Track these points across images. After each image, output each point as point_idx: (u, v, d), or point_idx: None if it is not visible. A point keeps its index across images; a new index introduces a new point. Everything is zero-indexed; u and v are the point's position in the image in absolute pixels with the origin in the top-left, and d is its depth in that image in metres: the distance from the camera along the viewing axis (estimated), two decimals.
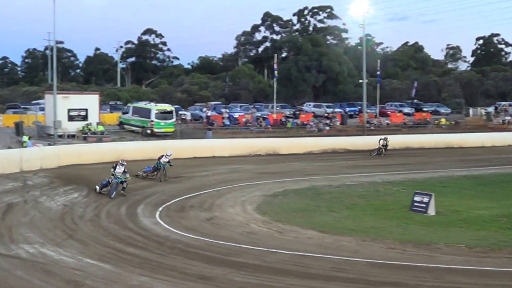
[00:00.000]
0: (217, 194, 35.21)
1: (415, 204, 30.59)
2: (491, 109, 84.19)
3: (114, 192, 33.43)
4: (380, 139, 54.68)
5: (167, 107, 61.19)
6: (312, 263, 21.22)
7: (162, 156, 39.62)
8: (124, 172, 34.08)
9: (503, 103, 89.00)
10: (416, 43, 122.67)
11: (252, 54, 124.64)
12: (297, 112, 77.74)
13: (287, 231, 26.43)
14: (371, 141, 58.37)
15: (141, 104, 62.65)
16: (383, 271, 20.40)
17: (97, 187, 34.37)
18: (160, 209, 30.55)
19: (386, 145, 54.55)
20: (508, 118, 79.26)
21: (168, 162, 39.68)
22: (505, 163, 50.49)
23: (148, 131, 57.10)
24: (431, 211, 29.99)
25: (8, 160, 40.29)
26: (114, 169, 33.95)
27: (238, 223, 28.10)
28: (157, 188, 36.01)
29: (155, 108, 59.17)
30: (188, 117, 72.16)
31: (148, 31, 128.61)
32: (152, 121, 57.61)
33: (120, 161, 34.49)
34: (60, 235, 24.89)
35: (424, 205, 30.22)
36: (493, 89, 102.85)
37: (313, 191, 36.58)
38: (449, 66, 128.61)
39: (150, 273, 19.62)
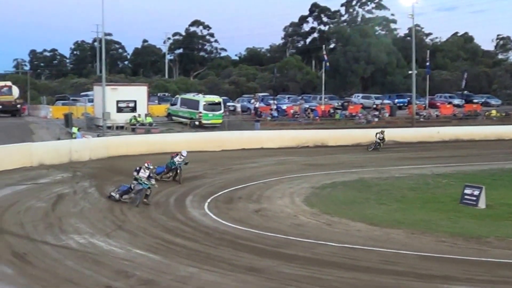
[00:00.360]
0: (265, 185, 35.16)
1: (465, 197, 30.15)
2: None
3: (139, 200, 29.12)
4: (377, 133, 52.28)
5: (215, 98, 61.32)
6: (361, 256, 21.09)
7: (176, 155, 35.79)
8: (149, 177, 29.76)
9: None
10: (466, 33, 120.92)
11: (299, 45, 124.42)
12: (346, 104, 77.29)
13: (336, 223, 26.30)
14: (420, 133, 58.11)
15: (189, 96, 62.89)
16: (433, 264, 20.17)
17: (114, 194, 30.11)
18: (209, 200, 30.58)
19: (383, 139, 52.00)
20: None
21: (183, 161, 35.66)
22: None
23: (196, 123, 57.28)
24: (482, 204, 29.54)
25: (58, 151, 40.76)
26: (138, 173, 29.60)
27: (286, 215, 28.02)
28: (205, 180, 36.05)
29: (203, 99, 59.30)
30: (238, 109, 72.18)
31: (196, 23, 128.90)
32: (200, 112, 57.76)
33: (146, 164, 29.98)
34: (109, 226, 25.10)
35: (474, 198, 29.77)
36: None
37: (362, 183, 36.35)
38: (500, 56, 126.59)
39: (199, 264, 19.67)
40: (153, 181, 29.87)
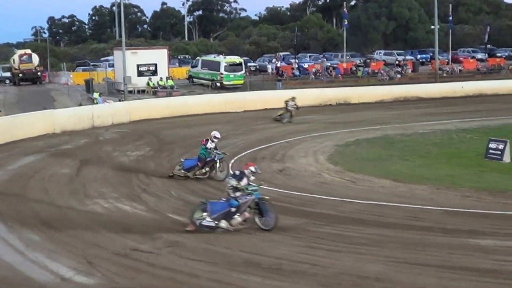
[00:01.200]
0: (288, 145, 35.11)
1: (490, 151, 29.98)
2: None
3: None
4: (287, 101, 44.85)
5: (236, 59, 61.19)
6: (387, 212, 21.04)
7: (207, 141, 26.78)
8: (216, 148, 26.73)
9: None
10: None
11: (320, 3, 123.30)
12: (368, 61, 76.89)
13: (360, 180, 26.27)
14: (443, 88, 57.85)
15: (210, 57, 62.81)
16: (459, 219, 20.10)
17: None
18: (232, 161, 30.48)
19: (296, 106, 44.53)
20: None
21: (216, 149, 26.87)
22: None
23: (218, 84, 57.18)
24: (507, 158, 29.36)
25: (80, 117, 40.90)
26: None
27: (310, 174, 28.01)
28: (228, 141, 35.79)
29: (224, 60, 59.22)
30: (269, 70, 71.04)
31: None
32: (222, 73, 57.67)
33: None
34: (134, 190, 25.14)
35: (499, 152, 29.59)
36: None
37: (385, 140, 36.21)
38: None
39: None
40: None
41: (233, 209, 18.64)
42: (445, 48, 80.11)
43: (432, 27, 70.99)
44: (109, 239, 18.42)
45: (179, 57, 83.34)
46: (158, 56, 57.79)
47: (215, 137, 26.72)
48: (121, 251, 17.03)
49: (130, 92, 52.96)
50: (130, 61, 53.71)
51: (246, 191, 19.10)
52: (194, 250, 17.11)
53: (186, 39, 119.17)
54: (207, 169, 26.52)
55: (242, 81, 58.22)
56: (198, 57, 67.54)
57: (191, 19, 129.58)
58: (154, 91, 53.92)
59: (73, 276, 15.18)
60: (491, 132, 35.38)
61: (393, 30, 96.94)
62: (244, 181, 19.19)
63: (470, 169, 28.07)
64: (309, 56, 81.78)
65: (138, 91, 54.30)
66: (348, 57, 78.40)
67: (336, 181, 26.46)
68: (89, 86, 54.19)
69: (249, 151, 33.40)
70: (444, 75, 68.74)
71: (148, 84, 55.00)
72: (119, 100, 48.58)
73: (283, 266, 15.83)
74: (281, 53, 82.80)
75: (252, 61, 78.24)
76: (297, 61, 73.34)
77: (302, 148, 34.12)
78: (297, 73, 67.70)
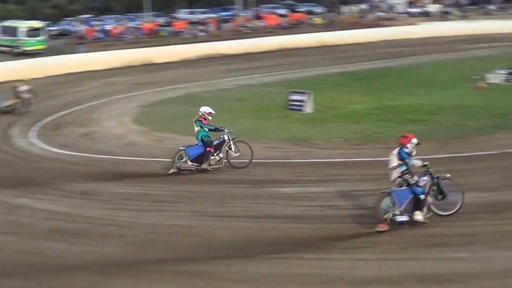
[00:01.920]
0: (91, 108, 34.49)
1: (292, 102, 30.84)
2: (364, 6, 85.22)
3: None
4: (15, 87, 34.01)
5: (36, 24, 59.11)
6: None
7: (203, 118, 21.14)
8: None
9: None
10: None
11: None
12: (171, 20, 76.60)
13: (165, 139, 26.21)
14: (246, 45, 58.61)
15: (9, 23, 60.32)
16: (264, 170, 20.69)
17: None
18: (35, 128, 29.64)
19: (31, 92, 34.26)
20: (381, 14, 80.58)
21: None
22: (378, 58, 51.63)
23: (18, 50, 55.15)
24: (308, 109, 30.31)
25: None
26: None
27: (116, 136, 27.66)
28: (30, 108, 34.39)
29: (23, 25, 57.14)
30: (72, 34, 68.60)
31: None
32: (21, 39, 55.63)
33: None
34: None
35: (301, 103, 30.49)
36: None
37: (190, 98, 36.22)
38: None
39: (29, 194, 19.00)
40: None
41: (422, 196, 14.87)
42: (248, 5, 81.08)
43: None
44: None
45: None
46: None
47: (210, 113, 21.35)
48: None
49: None
50: None
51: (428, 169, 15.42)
52: None
53: None
54: (221, 155, 21.16)
55: (43, 46, 56.36)
56: None
57: None
58: None
59: None
60: (293, 85, 36.22)
61: None
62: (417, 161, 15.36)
63: (273, 121, 28.70)
64: (112, 18, 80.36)
65: None
66: (151, 17, 77.69)
67: (141, 141, 26.31)
68: None
69: (52, 117, 32.54)
70: (248, 31, 69.68)
71: None
72: None
73: (90, 231, 15.64)
74: (83, 16, 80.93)
75: (54, 25, 75.90)
76: (99, 23, 71.90)
77: (106, 111, 33.61)
78: (100, 35, 66.38)
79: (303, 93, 30.92)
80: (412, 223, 14.69)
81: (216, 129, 21.07)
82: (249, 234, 14.92)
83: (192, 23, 74.27)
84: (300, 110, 30.22)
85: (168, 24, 73.42)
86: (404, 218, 14.71)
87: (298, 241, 14.31)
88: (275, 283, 12.40)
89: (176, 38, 65.30)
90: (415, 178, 15.03)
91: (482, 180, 18.35)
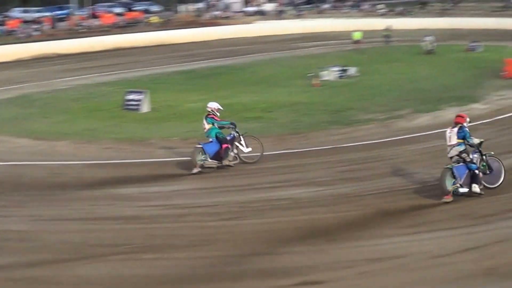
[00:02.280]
0: None
1: (128, 102, 30.75)
2: (201, 5, 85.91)
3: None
4: None
5: None
6: (27, 172, 20.79)
7: (211, 115, 20.40)
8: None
9: None
10: None
11: None
12: (4, 19, 74.48)
13: (1, 142, 25.41)
14: (82, 44, 57.90)
15: None
16: (100, 171, 20.55)
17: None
18: None
19: None
20: (217, 13, 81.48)
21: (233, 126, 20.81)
22: (215, 56, 52.34)
23: None
24: (145, 108, 30.30)
25: None
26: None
27: None
28: None
29: None
30: None
31: None
32: None
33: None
34: None
35: (137, 103, 30.44)
36: None
37: (24, 98, 35.39)
38: None
39: None
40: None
41: (477, 171, 16.47)
42: (84, 3, 79.95)
43: None
44: None
45: None
46: None
47: (219, 109, 20.53)
48: None
49: None
50: None
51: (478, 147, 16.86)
52: None
53: None
54: (235, 151, 20.54)
55: None
56: None
57: None
58: None
59: None
60: (130, 84, 36.18)
61: None
62: (476, 139, 16.70)
63: (110, 121, 28.45)
64: None
65: None
66: None
67: None
68: None
69: None
70: (84, 30, 68.77)
71: None
72: None
73: None
74: None
75: None
76: None
77: None
78: None
79: (140, 92, 30.91)
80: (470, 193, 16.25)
81: (231, 125, 20.60)
82: (86, 236, 14.78)
83: (26, 22, 72.62)
84: (137, 109, 30.17)
85: (1, 23, 71.41)
86: (465, 189, 16.37)
87: (137, 242, 14.31)
88: (112, 285, 12.35)
89: (10, 37, 63.61)
90: (470, 156, 16.56)
91: (318, 175, 18.97)
